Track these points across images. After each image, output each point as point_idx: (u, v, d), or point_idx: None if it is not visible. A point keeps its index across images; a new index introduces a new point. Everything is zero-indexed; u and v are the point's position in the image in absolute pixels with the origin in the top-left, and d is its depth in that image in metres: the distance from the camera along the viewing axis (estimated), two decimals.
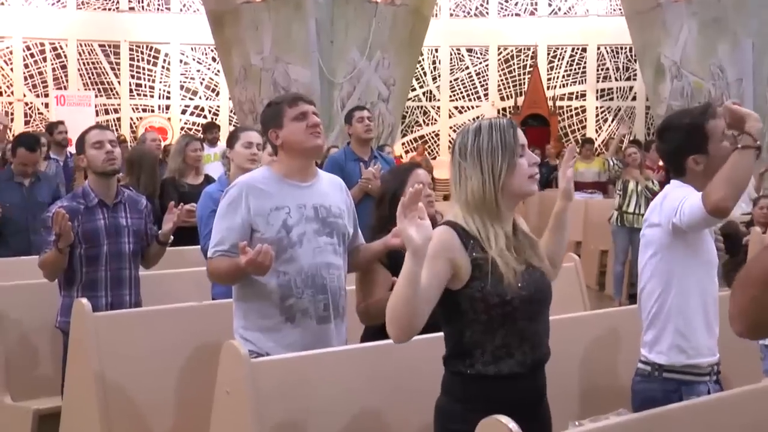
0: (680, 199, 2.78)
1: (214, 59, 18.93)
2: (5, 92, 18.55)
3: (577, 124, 19.84)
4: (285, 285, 3.11)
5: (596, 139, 18.33)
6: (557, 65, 19.86)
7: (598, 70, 19.69)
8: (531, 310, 2.37)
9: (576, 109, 19.86)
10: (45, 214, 4.00)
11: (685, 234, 2.81)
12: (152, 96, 19.50)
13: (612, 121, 19.66)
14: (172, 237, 4.22)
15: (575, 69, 19.81)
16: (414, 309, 2.20)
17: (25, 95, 18.66)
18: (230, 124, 18.59)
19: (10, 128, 15.03)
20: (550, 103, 19.14)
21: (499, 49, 19.92)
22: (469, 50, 20.01)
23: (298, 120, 3.19)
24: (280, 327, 3.11)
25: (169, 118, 19.43)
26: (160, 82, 19.51)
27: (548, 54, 19.82)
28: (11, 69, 18.54)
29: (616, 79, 19.67)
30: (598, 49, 19.61)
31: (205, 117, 19.23)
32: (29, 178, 5.50)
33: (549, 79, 19.71)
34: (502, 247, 2.34)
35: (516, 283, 2.31)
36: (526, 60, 19.78)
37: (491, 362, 2.32)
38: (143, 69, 19.38)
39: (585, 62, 19.72)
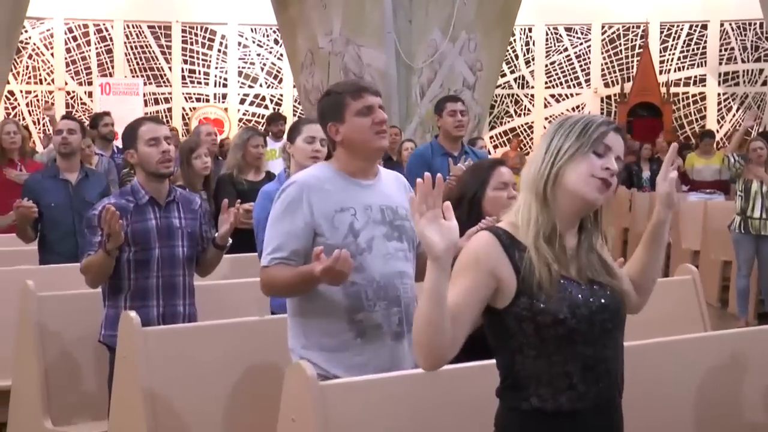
0: None
1: (276, 42, 19.14)
2: (45, 80, 19.02)
3: (695, 114, 19.49)
4: (354, 297, 3.11)
5: (717, 132, 17.98)
6: (672, 45, 19.53)
7: (720, 51, 19.30)
8: (593, 333, 2.30)
9: (694, 96, 19.50)
10: (90, 212, 4.05)
11: None
12: (207, 84, 19.79)
13: (737, 111, 19.25)
14: (230, 240, 4.27)
15: (693, 49, 19.45)
16: (440, 331, 2.14)
17: (66, 83, 19.12)
18: (294, 115, 18.75)
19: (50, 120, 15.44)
20: (663, 89, 18.82)
21: (603, 27, 19.69)
22: (568, 29, 19.82)
23: (362, 115, 3.18)
24: (349, 345, 3.11)
25: (225, 109, 19.70)
26: (216, 68, 19.80)
27: (661, 32, 19.50)
28: (52, 54, 19.01)
29: (743, 61, 19.25)
30: (722, 25, 19.22)
31: (266, 107, 19.46)
32: (76, 174, 5.63)
33: (662, 62, 19.40)
34: (538, 237, 2.27)
35: (552, 290, 2.24)
36: (636, 40, 19.50)
37: (549, 396, 2.28)
38: (197, 53, 19.70)
39: (705, 41, 19.35)
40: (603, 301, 2.33)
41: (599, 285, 2.35)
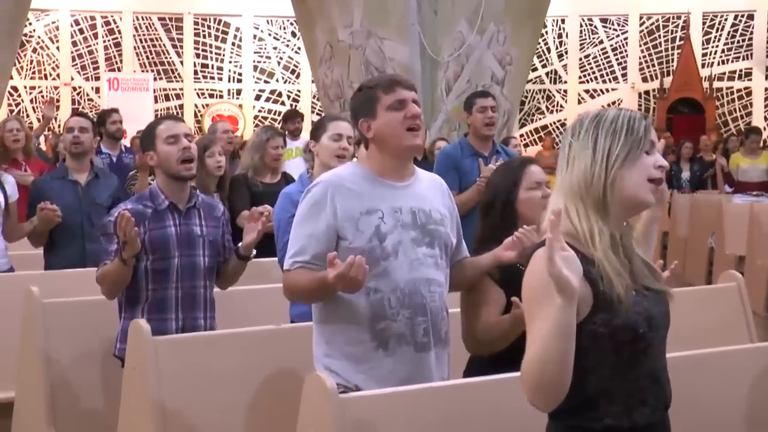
0: None
1: (294, 34, 19.20)
2: (50, 75, 19.15)
3: (739, 110, 19.40)
4: (377, 304, 3.12)
5: (765, 129, 17.88)
6: (715, 37, 19.45)
7: None
8: (656, 343, 2.32)
9: (739, 91, 19.42)
10: (106, 218, 4.04)
11: None
12: (221, 79, 19.88)
13: None
14: (254, 251, 4.23)
15: (738, 41, 19.37)
16: (570, 366, 2.12)
17: (73, 78, 19.25)
18: (313, 112, 18.81)
19: (56, 118, 15.54)
20: (706, 84, 18.77)
21: (641, 18, 19.63)
22: (604, 20, 19.78)
23: (394, 109, 3.19)
24: (371, 355, 3.12)
25: (240, 105, 19.78)
26: (230, 63, 19.88)
27: (704, 23, 19.44)
28: (57, 48, 19.15)
29: None
30: None
31: (282, 104, 19.52)
32: (86, 175, 5.66)
33: (704, 55, 19.33)
34: (606, 248, 2.25)
35: (629, 303, 2.23)
36: (676, 31, 19.45)
37: (623, 413, 2.28)
38: (210, 47, 19.78)
39: (751, 32, 19.27)
40: (661, 308, 2.34)
41: (653, 291, 2.34)
